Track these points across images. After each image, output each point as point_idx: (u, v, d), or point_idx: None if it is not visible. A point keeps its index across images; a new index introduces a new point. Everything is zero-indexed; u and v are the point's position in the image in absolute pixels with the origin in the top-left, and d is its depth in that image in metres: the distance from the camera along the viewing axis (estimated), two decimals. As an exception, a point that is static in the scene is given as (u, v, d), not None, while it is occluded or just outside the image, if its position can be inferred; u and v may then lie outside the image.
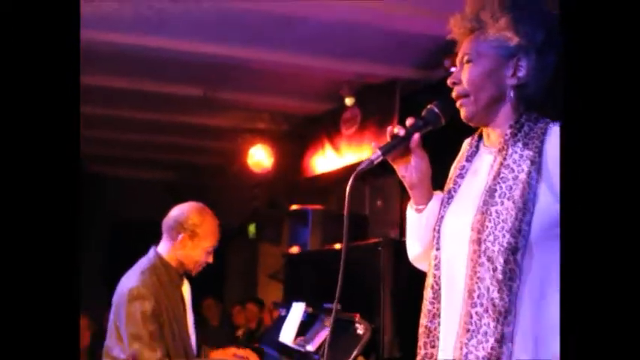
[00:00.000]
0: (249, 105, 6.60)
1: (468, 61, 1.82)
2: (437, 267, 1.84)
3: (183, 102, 6.43)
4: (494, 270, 1.67)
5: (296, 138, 7.16)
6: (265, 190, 8.13)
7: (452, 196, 1.89)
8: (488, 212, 1.72)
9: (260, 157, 7.14)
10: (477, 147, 1.92)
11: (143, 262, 3.24)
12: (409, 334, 3.14)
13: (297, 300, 4.06)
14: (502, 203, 1.71)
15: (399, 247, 3.20)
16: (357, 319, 3.33)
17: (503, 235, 1.68)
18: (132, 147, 7.82)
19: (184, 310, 3.27)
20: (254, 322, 7.15)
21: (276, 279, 7.57)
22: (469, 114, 1.84)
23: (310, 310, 3.92)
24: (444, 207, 1.89)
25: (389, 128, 1.88)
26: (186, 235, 3.22)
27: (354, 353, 3.20)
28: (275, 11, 4.50)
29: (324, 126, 6.57)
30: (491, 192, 1.75)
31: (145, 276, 3.14)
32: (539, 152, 1.73)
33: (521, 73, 1.79)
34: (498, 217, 1.70)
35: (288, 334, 3.94)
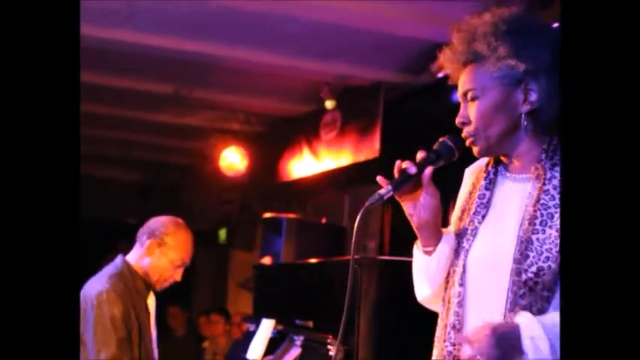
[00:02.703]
0: (224, 104, 6.45)
1: (474, 98, 1.74)
2: (460, 304, 1.73)
3: (154, 99, 6.25)
4: (538, 300, 1.61)
5: (272, 140, 6.99)
6: (238, 194, 7.97)
7: (476, 228, 1.77)
8: (530, 241, 1.65)
9: (233, 159, 6.94)
10: (495, 174, 1.82)
11: (109, 269, 3.17)
12: (384, 357, 2.97)
13: (267, 314, 3.92)
14: (544, 232, 1.65)
15: (378, 265, 3.13)
16: (329, 339, 3.18)
17: (549, 267, 1.61)
18: (98, 144, 7.59)
19: (149, 323, 3.20)
20: (220, 334, 6.88)
21: (246, 288, 7.34)
22: (482, 151, 1.77)
23: (280, 327, 3.78)
24: (468, 239, 1.77)
25: (397, 162, 1.76)
26: (155, 242, 3.16)
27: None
28: (254, 9, 4.35)
29: (303, 129, 6.38)
30: (531, 219, 1.67)
31: (113, 281, 3.08)
32: None
33: (532, 98, 1.71)
34: (541, 247, 1.64)
35: (255, 352, 3.78)
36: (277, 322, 3.77)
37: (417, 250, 1.85)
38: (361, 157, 5.39)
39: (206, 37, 4.89)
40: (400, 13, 4.36)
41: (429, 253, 1.81)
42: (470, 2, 4.11)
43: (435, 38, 4.61)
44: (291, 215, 5.02)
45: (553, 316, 1.57)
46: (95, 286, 3.05)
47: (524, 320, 1.57)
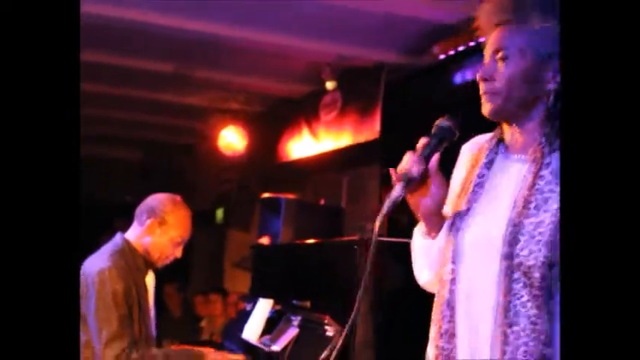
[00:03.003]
0: (224, 84, 6.39)
1: (504, 58, 1.68)
2: (453, 282, 1.71)
3: (154, 78, 6.21)
4: (531, 286, 1.58)
5: (271, 121, 6.96)
6: (236, 174, 7.92)
7: (471, 207, 1.74)
8: (522, 224, 1.62)
9: (232, 139, 6.91)
10: (496, 153, 1.78)
11: (109, 247, 3.18)
12: (382, 337, 2.97)
13: (264, 294, 3.92)
14: (537, 215, 1.61)
15: (377, 246, 3.05)
16: (326, 320, 3.17)
17: (540, 250, 1.58)
18: (97, 123, 7.55)
19: (148, 299, 3.20)
20: (218, 314, 6.87)
21: (242, 267, 7.33)
22: (496, 108, 1.70)
23: (278, 307, 3.76)
24: (462, 218, 1.74)
25: (399, 167, 1.71)
26: (155, 221, 3.16)
27: (323, 356, 3.02)
28: None
29: (303, 109, 6.35)
30: (525, 203, 1.63)
31: (114, 258, 3.08)
32: None
33: (559, 77, 1.65)
34: (534, 230, 1.60)
35: (252, 331, 3.78)
36: (275, 302, 3.77)
37: (420, 234, 1.82)
38: (361, 139, 5.37)
39: (207, 17, 4.83)
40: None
41: (434, 237, 1.79)
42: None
43: (436, 19, 4.59)
44: (290, 196, 4.98)
45: None
46: (96, 264, 3.05)
47: None
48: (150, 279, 3.25)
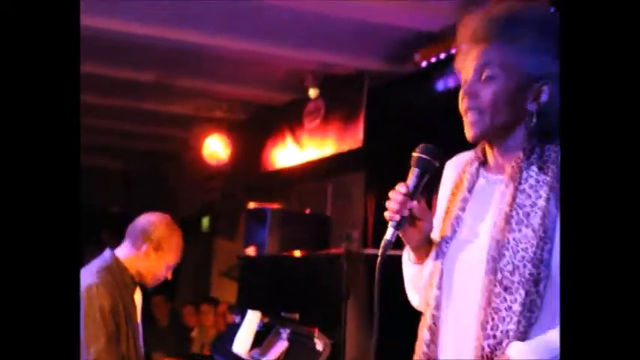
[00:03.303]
0: (207, 92, 6.36)
1: (490, 76, 1.67)
2: (437, 308, 1.72)
3: (137, 87, 6.17)
4: (513, 302, 1.58)
5: (255, 129, 6.92)
6: (221, 183, 7.89)
7: (455, 231, 1.75)
8: (506, 240, 1.62)
9: (216, 147, 6.87)
10: (477, 176, 1.79)
11: (97, 262, 3.18)
12: (375, 353, 2.97)
13: (252, 306, 3.95)
14: (520, 230, 1.61)
15: (363, 260, 3.07)
16: (316, 333, 3.22)
17: (524, 265, 1.59)
18: (82, 132, 7.48)
19: (136, 316, 3.21)
20: (210, 325, 6.82)
21: (229, 277, 7.31)
22: (479, 132, 1.70)
23: (266, 320, 3.77)
24: (446, 242, 1.75)
25: (386, 214, 1.71)
26: (151, 247, 3.19)
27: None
28: None
29: (286, 117, 6.31)
30: (507, 219, 1.64)
31: (102, 274, 3.09)
32: (557, 178, 1.63)
33: (543, 99, 1.67)
34: (517, 246, 1.60)
35: (242, 345, 3.82)
36: (263, 315, 3.77)
37: (409, 261, 1.84)
38: (345, 147, 5.36)
39: (189, 26, 4.80)
40: (384, 2, 4.30)
41: (422, 263, 1.81)
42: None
43: (418, 27, 4.59)
44: (275, 206, 4.98)
45: (546, 338, 1.56)
46: (84, 280, 3.04)
47: (515, 351, 1.56)
48: (138, 295, 3.26)
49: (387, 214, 1.71)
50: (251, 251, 4.83)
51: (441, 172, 1.90)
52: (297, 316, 3.55)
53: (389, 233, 1.71)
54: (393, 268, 1.91)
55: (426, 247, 1.79)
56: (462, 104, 1.71)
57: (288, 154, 6.25)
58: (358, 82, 5.38)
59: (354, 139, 5.29)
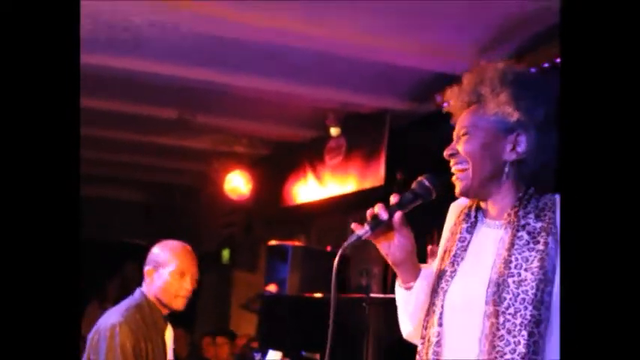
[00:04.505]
0: (229, 129, 6.46)
1: (465, 134, 1.80)
2: (438, 344, 1.75)
3: (159, 123, 6.27)
4: (517, 344, 1.62)
5: (276, 165, 6.97)
6: (242, 217, 7.92)
7: (455, 270, 1.80)
8: (505, 283, 1.68)
9: (238, 183, 6.92)
10: (476, 218, 1.86)
11: (128, 301, 3.22)
12: None
13: (273, 342, 3.93)
14: (519, 274, 1.67)
15: (384, 304, 3.10)
16: None
17: (525, 308, 1.64)
18: (104, 166, 7.61)
19: (165, 356, 3.21)
20: (225, 357, 6.83)
21: (249, 309, 7.33)
22: (464, 188, 1.80)
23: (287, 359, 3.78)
24: (447, 281, 1.80)
25: (368, 211, 1.79)
26: (150, 268, 3.22)
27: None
28: (259, 39, 4.36)
29: (307, 154, 6.38)
30: (506, 263, 1.70)
31: (129, 313, 3.12)
32: (554, 224, 1.70)
33: (520, 149, 1.77)
34: (518, 289, 1.66)
35: None
36: (284, 355, 3.80)
37: (398, 285, 1.87)
38: (366, 184, 5.41)
39: (212, 66, 4.90)
40: (405, 46, 4.39)
41: (409, 288, 1.84)
42: (473, 34, 4.18)
43: (440, 69, 4.65)
44: (297, 243, 5.01)
45: None
46: (110, 319, 3.09)
47: None
48: (169, 333, 3.27)
49: (368, 211, 1.78)
50: (272, 288, 4.86)
51: (440, 209, 1.97)
52: (317, 356, 3.58)
53: (364, 228, 1.76)
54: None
55: (409, 268, 1.83)
56: (450, 164, 1.82)
57: (308, 189, 6.30)
58: (380, 120, 5.44)
59: (375, 176, 5.34)
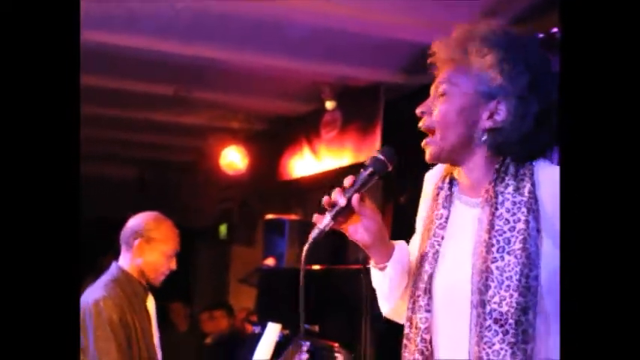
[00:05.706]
0: (224, 104, 6.43)
1: (443, 94, 1.70)
2: (427, 331, 1.68)
3: (154, 99, 6.25)
4: (505, 333, 1.56)
5: (272, 139, 6.97)
6: (238, 192, 7.93)
7: (437, 251, 1.72)
8: (489, 270, 1.60)
9: (233, 158, 6.92)
10: (451, 190, 1.77)
11: (105, 277, 3.25)
12: None
13: (271, 315, 4.02)
14: (502, 258, 1.59)
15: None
16: (336, 347, 3.23)
17: (511, 295, 1.56)
18: (98, 143, 7.59)
19: (150, 325, 3.25)
20: (224, 329, 6.88)
21: (247, 283, 7.37)
22: (434, 154, 1.72)
23: (286, 332, 3.83)
24: (431, 264, 1.71)
25: (325, 198, 1.70)
26: (143, 241, 3.23)
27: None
28: (255, 14, 4.35)
29: (303, 128, 6.37)
30: (487, 247, 1.61)
31: (109, 287, 3.15)
32: (534, 197, 1.63)
33: (499, 117, 1.67)
34: (502, 275, 1.58)
35: (262, 356, 3.82)
36: (283, 327, 3.83)
37: (372, 266, 1.80)
38: (362, 158, 5.41)
39: (207, 41, 4.87)
40: (400, 18, 4.37)
41: (383, 269, 1.76)
42: (468, 7, 4.18)
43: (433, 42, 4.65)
44: (293, 217, 5.03)
45: None
46: (92, 296, 3.11)
47: None
48: (150, 302, 3.30)
49: (324, 200, 1.70)
50: (270, 262, 4.89)
51: (420, 184, 1.90)
52: (316, 328, 3.61)
53: (325, 219, 1.68)
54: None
55: (380, 249, 1.74)
56: (420, 124, 1.75)
57: (305, 163, 6.31)
58: (374, 93, 5.45)
59: (371, 149, 5.35)
